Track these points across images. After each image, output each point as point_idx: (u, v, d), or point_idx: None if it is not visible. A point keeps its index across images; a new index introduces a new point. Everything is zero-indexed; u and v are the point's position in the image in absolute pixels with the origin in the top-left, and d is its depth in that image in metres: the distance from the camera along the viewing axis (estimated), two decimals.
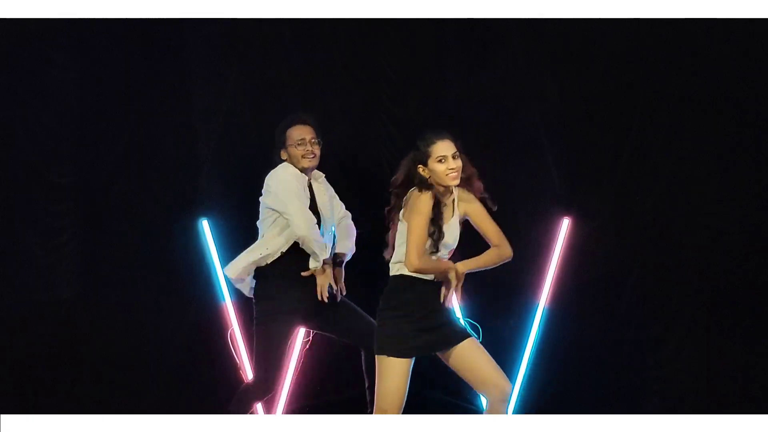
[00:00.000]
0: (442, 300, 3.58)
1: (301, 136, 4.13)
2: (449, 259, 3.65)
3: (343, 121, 4.94)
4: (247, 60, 4.97)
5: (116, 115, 4.91)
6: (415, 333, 3.58)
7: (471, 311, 4.85)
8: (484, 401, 4.22)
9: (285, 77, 5.04)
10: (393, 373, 3.60)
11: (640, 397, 4.85)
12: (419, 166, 3.58)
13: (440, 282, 3.60)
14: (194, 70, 4.96)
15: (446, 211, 3.59)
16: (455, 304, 4.22)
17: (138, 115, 4.90)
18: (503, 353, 4.78)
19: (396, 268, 3.63)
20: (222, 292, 4.71)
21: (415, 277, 3.55)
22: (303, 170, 4.17)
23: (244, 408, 4.23)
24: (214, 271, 4.69)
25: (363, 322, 4.16)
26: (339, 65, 5.13)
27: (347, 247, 4.24)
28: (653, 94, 4.85)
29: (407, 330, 3.58)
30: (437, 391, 4.99)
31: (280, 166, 4.16)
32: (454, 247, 3.66)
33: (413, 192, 3.56)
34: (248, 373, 4.66)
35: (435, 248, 3.54)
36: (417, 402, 4.44)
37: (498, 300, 4.83)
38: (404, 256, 3.53)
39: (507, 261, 3.68)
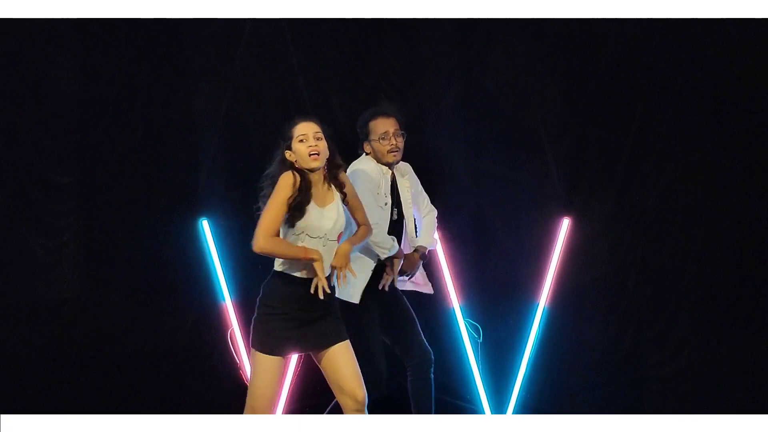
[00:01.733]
0: (312, 291, 3.48)
1: (385, 129, 4.07)
2: (337, 243, 3.60)
3: (342, 120, 4.98)
4: (247, 60, 5.00)
5: (117, 115, 4.91)
6: (287, 332, 3.59)
7: (471, 311, 4.97)
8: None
9: (285, 77, 5.07)
10: (263, 369, 3.60)
11: (639, 397, 4.85)
12: (285, 151, 3.58)
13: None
14: (194, 70, 4.99)
15: (325, 195, 3.60)
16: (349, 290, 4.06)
17: (138, 114, 4.91)
18: (503, 353, 5.06)
19: (276, 264, 3.59)
20: (222, 292, 4.76)
21: (290, 274, 3.54)
22: (387, 165, 4.11)
23: None
24: (214, 271, 4.72)
25: (417, 340, 4.10)
26: (339, 65, 5.17)
27: (428, 241, 4.25)
28: (654, 94, 4.86)
29: (280, 327, 3.57)
30: (437, 391, 4.86)
31: (361, 158, 4.11)
32: (341, 230, 3.61)
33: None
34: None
35: (293, 226, 3.51)
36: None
37: (498, 299, 4.91)
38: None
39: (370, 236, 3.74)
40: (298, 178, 3.46)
